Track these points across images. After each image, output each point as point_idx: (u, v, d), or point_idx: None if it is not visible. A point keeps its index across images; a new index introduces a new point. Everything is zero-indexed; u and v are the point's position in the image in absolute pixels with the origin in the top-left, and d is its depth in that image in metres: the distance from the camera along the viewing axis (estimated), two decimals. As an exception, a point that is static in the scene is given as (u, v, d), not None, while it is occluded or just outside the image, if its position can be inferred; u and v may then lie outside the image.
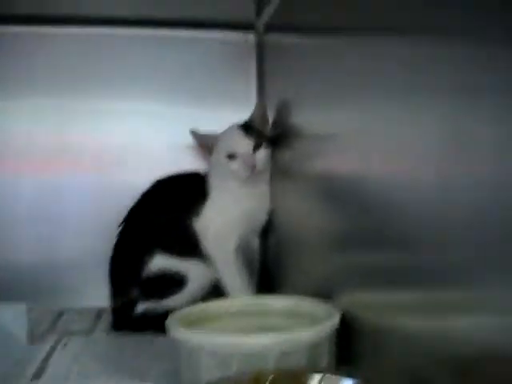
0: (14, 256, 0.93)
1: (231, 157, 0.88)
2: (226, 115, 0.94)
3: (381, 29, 0.47)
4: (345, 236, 0.58)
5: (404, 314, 0.44)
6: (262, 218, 0.91)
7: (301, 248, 0.74)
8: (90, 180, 0.97)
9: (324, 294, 0.62)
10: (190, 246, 0.86)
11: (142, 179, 0.91)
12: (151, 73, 0.99)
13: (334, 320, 0.55)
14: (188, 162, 0.97)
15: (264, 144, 0.88)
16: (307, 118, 0.71)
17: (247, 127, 0.90)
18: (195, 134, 0.94)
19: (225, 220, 0.87)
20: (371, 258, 0.51)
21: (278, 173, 0.89)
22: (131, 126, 1.00)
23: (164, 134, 1.00)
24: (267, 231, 0.92)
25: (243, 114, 0.92)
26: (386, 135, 0.47)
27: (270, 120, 0.92)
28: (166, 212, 0.88)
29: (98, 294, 0.88)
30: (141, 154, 1.00)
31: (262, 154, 0.88)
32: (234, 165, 0.87)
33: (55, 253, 0.95)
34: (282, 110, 0.85)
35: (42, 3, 0.88)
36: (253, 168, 0.86)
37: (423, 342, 0.40)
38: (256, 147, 0.87)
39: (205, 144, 0.93)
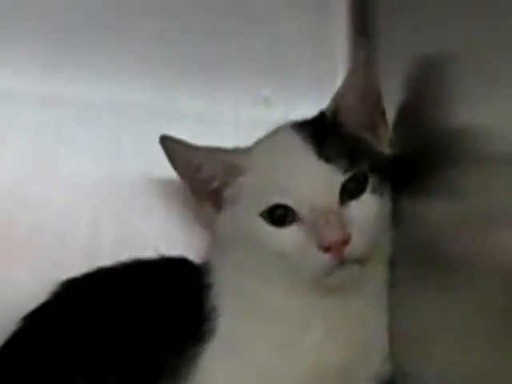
0: None
1: (279, 218, 0.65)
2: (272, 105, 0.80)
3: None
4: None
5: None
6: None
7: None
8: None
9: None
10: None
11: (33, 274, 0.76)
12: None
13: None
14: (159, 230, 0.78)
15: (373, 181, 0.66)
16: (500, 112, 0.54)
17: (323, 132, 0.67)
18: (173, 149, 0.69)
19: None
20: None
21: (412, 261, 0.68)
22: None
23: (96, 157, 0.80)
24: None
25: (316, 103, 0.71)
26: None
27: (389, 116, 0.71)
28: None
29: None
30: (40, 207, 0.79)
31: (368, 209, 0.65)
32: (290, 241, 0.64)
33: None
34: (420, 92, 0.67)
35: None
36: (340, 250, 0.62)
37: None
38: (349, 191, 0.65)
39: (201, 180, 0.69)
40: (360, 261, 0.62)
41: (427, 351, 0.63)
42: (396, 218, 0.67)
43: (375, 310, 0.67)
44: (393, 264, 0.69)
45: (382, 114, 0.69)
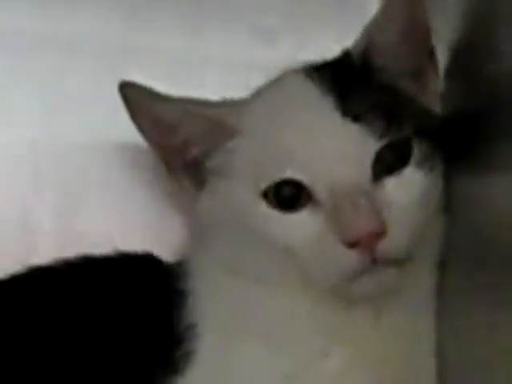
0: None
1: (288, 200, 0.54)
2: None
3: None
4: None
5: None
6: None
7: None
8: None
9: None
10: None
11: None
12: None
13: None
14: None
15: (419, 150, 0.54)
16: None
17: (349, 80, 0.56)
18: (137, 100, 0.56)
19: None
20: None
21: (469, 261, 0.56)
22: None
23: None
24: None
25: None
26: None
27: (440, 57, 0.60)
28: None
29: None
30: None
31: (412, 189, 0.54)
32: (302, 231, 0.54)
33: None
34: (481, 27, 0.55)
35: None
36: (373, 246, 0.50)
37: None
38: (385, 163, 0.53)
39: (176, 144, 0.57)
40: (399, 261, 0.50)
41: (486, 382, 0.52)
42: (449, 202, 0.56)
43: (417, 328, 0.56)
44: (443, 266, 0.57)
45: (431, 55, 0.57)
